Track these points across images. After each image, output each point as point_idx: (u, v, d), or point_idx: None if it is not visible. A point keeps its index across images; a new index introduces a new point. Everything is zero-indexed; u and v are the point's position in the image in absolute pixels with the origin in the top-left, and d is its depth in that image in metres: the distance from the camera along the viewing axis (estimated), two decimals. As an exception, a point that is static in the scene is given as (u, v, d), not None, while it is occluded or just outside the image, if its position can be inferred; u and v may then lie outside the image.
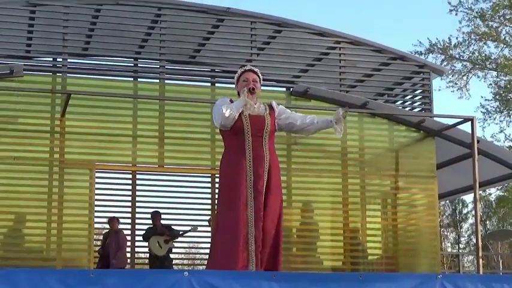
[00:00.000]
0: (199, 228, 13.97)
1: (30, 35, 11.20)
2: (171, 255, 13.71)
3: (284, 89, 12.11)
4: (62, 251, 10.53)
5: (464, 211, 45.83)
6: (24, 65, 10.71)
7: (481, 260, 10.88)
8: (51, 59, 11.63)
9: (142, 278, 5.42)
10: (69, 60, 11.22)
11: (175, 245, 13.86)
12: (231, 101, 6.77)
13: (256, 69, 6.99)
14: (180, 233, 13.58)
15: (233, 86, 9.99)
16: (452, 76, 29.87)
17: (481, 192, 10.69)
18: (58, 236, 10.57)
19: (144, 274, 5.64)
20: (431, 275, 6.21)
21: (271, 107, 6.91)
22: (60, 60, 11.22)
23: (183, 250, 17.75)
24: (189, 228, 13.68)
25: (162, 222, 13.45)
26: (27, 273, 5.30)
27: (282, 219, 6.78)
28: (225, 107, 6.65)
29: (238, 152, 6.65)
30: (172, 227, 13.55)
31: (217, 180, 13.20)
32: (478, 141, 11.19)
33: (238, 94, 6.92)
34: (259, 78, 6.95)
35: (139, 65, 11.72)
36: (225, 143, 6.84)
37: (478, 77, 29.97)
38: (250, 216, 6.57)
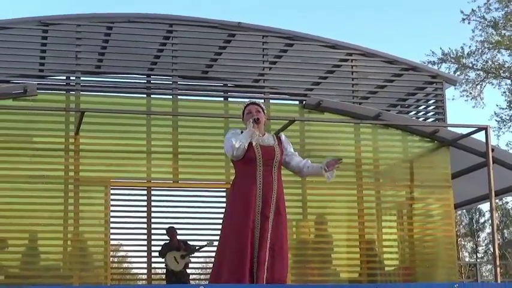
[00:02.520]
0: (215, 243, 13.95)
1: (44, 54, 11.27)
2: (188, 271, 13.71)
3: (297, 102, 12.13)
4: (78, 268, 10.55)
5: (481, 220, 45.62)
6: (37, 84, 10.77)
7: (498, 269, 10.83)
8: (64, 78, 11.69)
9: (159, 293, 5.44)
10: (82, 78, 11.27)
11: (192, 260, 13.86)
12: (241, 132, 7.11)
13: (258, 101, 7.42)
14: (197, 248, 13.58)
15: (246, 100, 10.11)
16: (466, 85, 29.83)
17: (497, 200, 10.67)
18: (74, 253, 10.59)
19: (160, 290, 5.66)
20: (448, 284, 6.20)
21: (279, 139, 7.31)
22: (74, 78, 11.28)
23: (199, 265, 17.74)
24: (205, 243, 13.69)
25: (178, 237, 13.46)
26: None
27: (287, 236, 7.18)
28: (234, 139, 6.99)
29: (250, 179, 6.99)
30: (188, 242, 13.56)
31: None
32: (492, 150, 11.16)
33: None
34: (262, 109, 7.28)
35: (152, 81, 11.77)
36: (236, 170, 7.17)
37: (492, 84, 29.90)
38: (256, 240, 6.93)
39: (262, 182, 7.00)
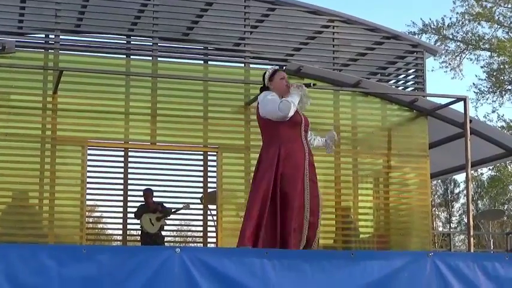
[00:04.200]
0: (191, 206, 13.99)
1: (23, 11, 11.13)
2: (163, 233, 13.73)
3: (277, 67, 12.07)
4: (53, 228, 10.54)
5: (456, 191, 45.93)
6: (16, 41, 10.65)
7: (472, 239, 10.94)
8: (43, 36, 11.58)
9: (134, 254, 5.44)
10: (61, 36, 11.16)
11: (168, 222, 13.88)
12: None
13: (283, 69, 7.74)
14: (173, 210, 13.58)
15: (225, 64, 10.19)
16: (446, 56, 29.87)
17: (472, 172, 10.70)
18: (50, 212, 10.57)
19: (136, 251, 5.66)
20: (423, 253, 6.23)
21: None
22: (53, 36, 11.17)
23: (174, 228, 17.79)
24: (181, 206, 13.69)
25: (154, 199, 13.46)
26: (19, 248, 5.31)
27: None
28: (289, 104, 7.05)
29: (296, 143, 7.15)
30: (164, 204, 13.56)
31: (210, 158, 13.32)
32: (470, 121, 11.22)
33: (265, 88, 7.36)
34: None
35: (132, 42, 11.67)
36: (271, 134, 7.20)
37: (471, 59, 29.99)
38: (307, 205, 7.12)
39: (308, 146, 7.22)
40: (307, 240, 7.07)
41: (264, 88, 7.42)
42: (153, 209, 13.26)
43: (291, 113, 7.04)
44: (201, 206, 13.85)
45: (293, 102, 7.07)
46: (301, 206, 7.08)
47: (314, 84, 7.53)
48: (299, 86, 7.23)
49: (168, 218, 13.57)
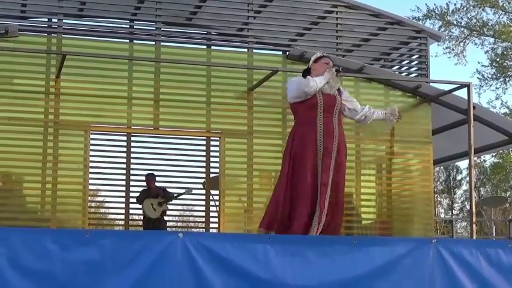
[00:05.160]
0: (194, 191, 13.99)
1: (26, -5, 11.10)
2: (166, 218, 13.74)
3: (280, 52, 12.05)
4: (56, 212, 10.53)
5: (458, 177, 45.98)
6: (19, 25, 10.63)
7: (474, 226, 10.92)
8: (46, 20, 11.53)
9: (137, 239, 5.44)
10: (64, 21, 11.12)
11: (170, 207, 13.88)
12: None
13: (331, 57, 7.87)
14: (175, 195, 13.58)
15: (229, 48, 10.21)
16: (449, 42, 29.80)
17: (475, 158, 10.68)
18: (52, 197, 10.56)
19: (139, 235, 5.67)
20: (426, 240, 6.24)
21: (339, 90, 7.70)
22: (56, 20, 11.13)
23: (177, 213, 17.79)
24: (183, 190, 13.69)
25: (157, 184, 13.46)
26: (22, 232, 5.32)
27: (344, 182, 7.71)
28: (310, 79, 7.35)
29: (310, 126, 7.29)
30: (167, 189, 13.56)
31: (212, 143, 13.32)
32: (474, 108, 11.18)
33: (308, 72, 7.64)
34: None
35: (135, 26, 11.63)
36: (296, 117, 7.52)
37: (476, 44, 29.89)
38: (318, 186, 7.22)
39: (323, 129, 7.25)
40: (325, 224, 7.13)
41: (306, 70, 7.72)
42: (155, 194, 13.27)
43: (308, 90, 7.27)
44: (203, 191, 13.85)
45: (315, 80, 7.30)
46: (312, 189, 7.15)
47: (341, 69, 7.62)
48: (330, 70, 7.44)
49: (170, 203, 13.58)
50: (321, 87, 7.39)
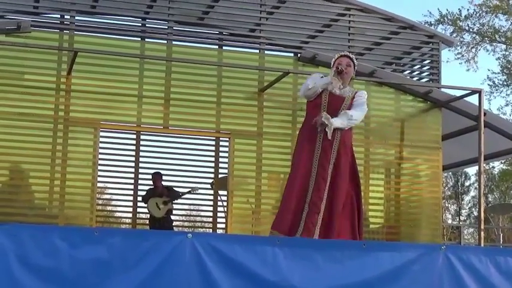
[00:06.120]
0: (202, 191, 13.98)
1: (39, -9, 11.11)
2: (173, 217, 13.71)
3: (292, 54, 12.04)
4: (64, 209, 10.54)
5: (467, 183, 45.85)
6: (31, 21, 10.65)
7: (482, 233, 10.89)
8: (58, 16, 11.55)
9: (146, 238, 5.42)
10: (76, 17, 11.12)
11: (177, 206, 13.85)
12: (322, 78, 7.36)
13: (352, 56, 7.52)
14: (180, 194, 13.54)
15: (240, 49, 10.19)
16: (461, 48, 29.75)
17: (484, 165, 10.61)
18: (61, 193, 10.57)
19: (147, 234, 5.64)
20: (435, 246, 6.21)
21: (355, 93, 7.42)
22: (68, 17, 11.14)
23: (184, 212, 17.79)
24: (188, 189, 13.64)
25: (165, 183, 13.44)
26: (31, 229, 5.30)
27: (358, 195, 7.42)
28: (311, 80, 7.25)
29: (312, 125, 7.11)
30: (174, 188, 13.53)
31: (222, 143, 13.31)
32: (485, 114, 11.14)
33: None
34: (354, 63, 7.46)
35: (147, 25, 11.63)
36: (305, 115, 7.40)
37: (487, 50, 29.82)
38: (311, 186, 7.06)
39: (323, 139, 7.12)
40: (305, 227, 7.01)
41: None
42: (160, 193, 13.25)
43: (306, 93, 7.24)
44: (211, 192, 13.83)
45: (315, 81, 7.21)
46: (303, 189, 7.08)
47: (341, 69, 7.44)
48: (332, 71, 7.33)
49: (175, 202, 13.51)
50: (321, 87, 7.23)
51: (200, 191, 13.94)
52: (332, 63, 7.41)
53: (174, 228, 13.93)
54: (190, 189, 13.57)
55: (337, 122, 7.14)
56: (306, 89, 7.25)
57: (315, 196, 7.03)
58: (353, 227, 7.17)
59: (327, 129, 7.11)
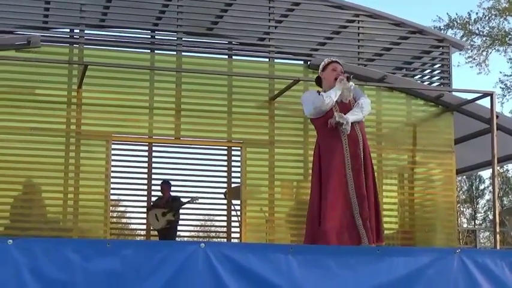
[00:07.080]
0: (215, 201, 13.97)
1: (48, 6, 11.14)
2: (186, 228, 13.66)
3: (302, 62, 12.04)
4: (78, 222, 10.55)
5: (481, 187, 45.69)
6: (41, 35, 10.69)
7: (497, 236, 10.83)
8: (68, 30, 11.59)
9: (159, 249, 5.42)
10: (86, 31, 11.16)
11: (190, 217, 13.80)
12: (318, 93, 7.48)
13: (341, 62, 7.75)
14: (181, 204, 13.48)
15: (250, 58, 10.24)
16: (472, 51, 29.69)
17: (498, 168, 10.58)
18: (74, 207, 10.58)
19: (160, 245, 5.65)
20: (450, 250, 6.18)
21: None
22: (78, 31, 11.18)
23: (198, 223, 17.80)
24: (188, 199, 13.58)
25: (178, 194, 13.41)
26: (44, 242, 5.30)
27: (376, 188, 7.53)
28: (324, 95, 7.31)
29: (334, 136, 7.26)
30: (181, 198, 13.48)
31: (234, 153, 13.29)
32: (497, 117, 11.10)
33: (319, 78, 7.72)
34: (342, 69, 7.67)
35: (156, 36, 11.66)
36: (318, 131, 7.52)
37: (498, 51, 29.75)
38: (353, 197, 7.19)
39: (348, 137, 7.26)
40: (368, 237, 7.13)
41: (318, 78, 7.74)
42: (162, 203, 13.22)
43: (325, 107, 7.27)
44: (224, 201, 13.83)
45: (330, 96, 7.28)
46: (343, 201, 7.14)
47: (352, 76, 7.55)
48: (341, 80, 7.38)
49: (175, 212, 13.35)
50: (335, 99, 7.37)
51: (213, 201, 13.93)
52: (322, 68, 7.59)
53: (188, 238, 13.90)
54: (190, 199, 13.55)
55: (351, 116, 7.34)
56: (323, 103, 7.27)
57: (360, 207, 7.18)
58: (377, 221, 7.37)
59: (342, 128, 7.26)
